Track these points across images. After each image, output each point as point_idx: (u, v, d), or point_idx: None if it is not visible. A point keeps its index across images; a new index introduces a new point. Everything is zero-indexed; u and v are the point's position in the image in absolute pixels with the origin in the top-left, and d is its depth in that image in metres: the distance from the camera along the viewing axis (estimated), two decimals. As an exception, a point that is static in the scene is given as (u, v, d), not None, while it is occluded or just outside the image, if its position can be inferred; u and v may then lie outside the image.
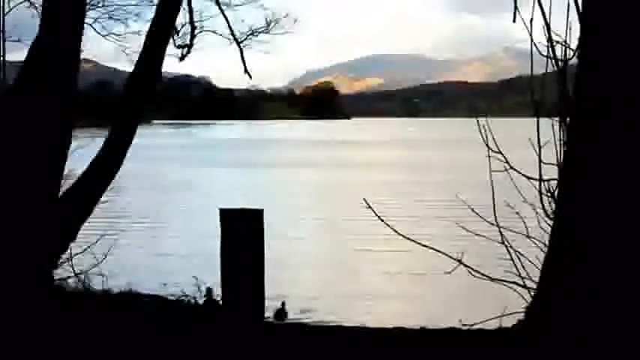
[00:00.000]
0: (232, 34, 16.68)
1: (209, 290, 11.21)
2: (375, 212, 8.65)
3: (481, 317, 8.56)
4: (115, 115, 11.88)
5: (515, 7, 7.70)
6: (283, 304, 12.52)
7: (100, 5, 15.90)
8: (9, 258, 9.80)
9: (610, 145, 6.51)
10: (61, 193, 11.01)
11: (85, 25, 11.55)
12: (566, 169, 7.01)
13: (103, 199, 11.64)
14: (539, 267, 7.21)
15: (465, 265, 8.40)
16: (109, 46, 16.47)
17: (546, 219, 7.60)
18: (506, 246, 8.20)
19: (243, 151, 78.68)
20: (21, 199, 10.12)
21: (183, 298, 11.16)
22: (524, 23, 7.63)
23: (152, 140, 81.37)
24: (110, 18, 16.38)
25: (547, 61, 7.70)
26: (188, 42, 16.39)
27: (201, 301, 11.14)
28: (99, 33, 16.06)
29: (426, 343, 8.36)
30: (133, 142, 11.86)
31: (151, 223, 27.18)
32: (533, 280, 7.66)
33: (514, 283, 8.16)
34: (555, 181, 7.47)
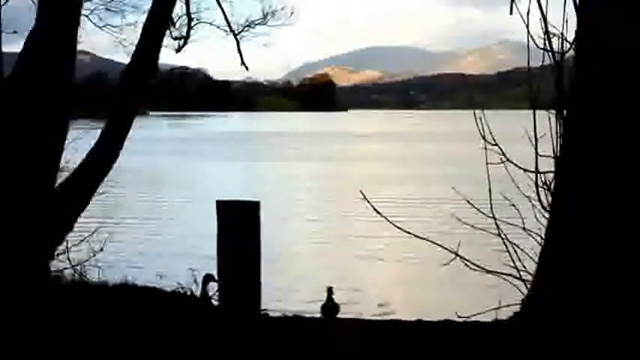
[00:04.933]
0: (229, 25, 16.66)
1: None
2: (371, 204, 8.65)
3: (477, 309, 8.57)
4: (112, 106, 11.86)
5: (512, 0, 7.69)
6: (330, 291, 9.35)
7: (96, -4, 15.87)
8: (5, 249, 9.79)
9: (606, 137, 6.51)
10: (57, 184, 11.00)
11: (82, 17, 11.51)
12: (562, 162, 7.02)
13: (99, 190, 11.63)
14: (536, 259, 7.22)
15: (462, 258, 8.41)
16: (106, 37, 16.44)
17: (543, 211, 7.61)
18: (502, 238, 8.20)
19: (240, 143, 78.67)
20: (17, 191, 10.11)
21: (179, 289, 11.15)
22: (521, 16, 7.63)
23: (149, 132, 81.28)
24: (107, 9, 16.35)
25: (544, 53, 7.70)
26: (185, 34, 16.36)
27: (198, 293, 11.09)
28: (95, 24, 16.03)
29: (422, 335, 8.38)
30: (130, 133, 11.85)
31: (148, 215, 27.19)
32: (529, 273, 7.67)
33: (510, 275, 8.17)
34: (552, 174, 7.48)
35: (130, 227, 23.09)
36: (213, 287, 8.69)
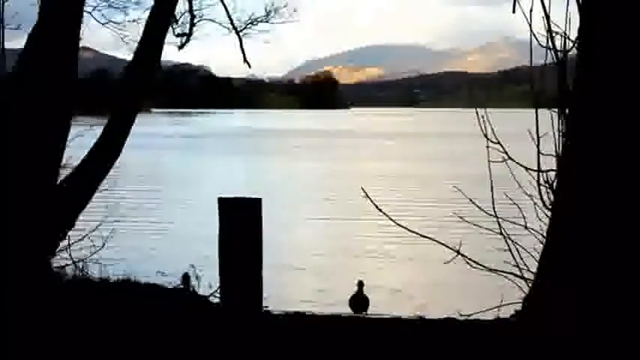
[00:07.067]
0: (232, 23, 16.67)
1: (186, 276, 10.56)
2: (373, 202, 8.64)
3: (479, 308, 8.57)
4: (114, 103, 11.87)
5: (515, -2, 7.68)
6: (361, 284, 9.71)
7: (99, -7, 15.86)
8: (7, 246, 9.80)
9: (609, 136, 6.50)
10: (59, 181, 11.01)
11: (85, 13, 11.52)
12: (564, 160, 7.01)
13: (101, 187, 11.64)
14: (537, 258, 7.21)
15: (463, 256, 8.39)
16: (109, 34, 16.44)
17: (544, 210, 7.60)
18: (504, 237, 8.20)
19: (243, 141, 78.70)
20: (19, 187, 10.12)
21: (181, 286, 11.18)
22: (524, 14, 7.62)
23: (151, 129, 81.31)
24: (110, 6, 16.35)
25: (546, 52, 7.69)
26: (187, 30, 16.39)
27: (191, 289, 11.13)
28: (98, 21, 16.02)
29: (423, 332, 8.37)
30: (132, 130, 11.86)
31: (150, 211, 27.19)
32: (530, 271, 7.67)
33: (512, 273, 8.17)
34: (554, 172, 7.47)
35: (132, 224, 23.07)
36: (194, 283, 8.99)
